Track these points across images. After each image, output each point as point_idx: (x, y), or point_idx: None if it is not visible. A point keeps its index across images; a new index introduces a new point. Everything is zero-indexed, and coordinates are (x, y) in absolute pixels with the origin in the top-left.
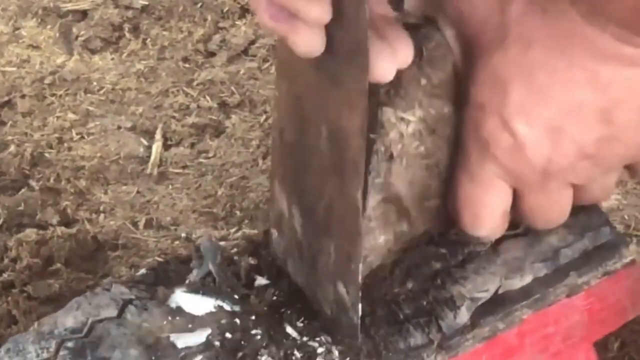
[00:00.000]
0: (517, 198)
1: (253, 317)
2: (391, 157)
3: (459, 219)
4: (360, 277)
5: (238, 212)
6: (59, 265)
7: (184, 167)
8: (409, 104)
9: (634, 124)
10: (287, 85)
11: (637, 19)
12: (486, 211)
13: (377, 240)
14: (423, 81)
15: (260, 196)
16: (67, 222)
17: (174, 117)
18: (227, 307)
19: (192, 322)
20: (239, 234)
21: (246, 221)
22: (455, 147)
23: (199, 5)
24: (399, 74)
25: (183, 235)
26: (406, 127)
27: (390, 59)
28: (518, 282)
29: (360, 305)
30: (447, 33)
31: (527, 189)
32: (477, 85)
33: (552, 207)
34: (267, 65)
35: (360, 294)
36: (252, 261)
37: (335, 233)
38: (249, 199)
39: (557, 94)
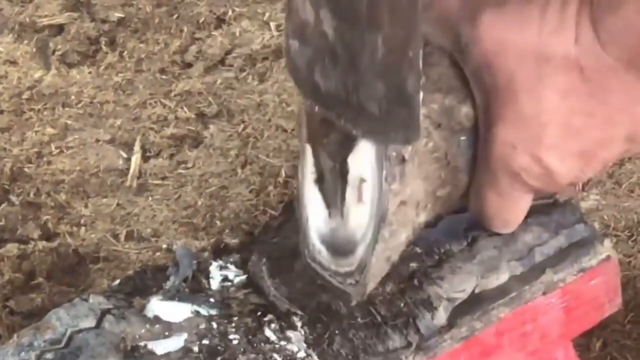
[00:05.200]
0: None
1: (231, 321)
2: (403, 160)
3: (488, 224)
4: (420, 64)
5: (218, 222)
6: (40, 279)
7: (163, 179)
8: None
9: None
10: None
11: None
12: (515, 216)
13: (399, 240)
14: (422, 79)
15: (240, 205)
16: (48, 236)
17: (152, 129)
18: (203, 312)
19: (169, 329)
20: None
21: (227, 231)
22: (464, 137)
23: (174, 16)
24: None
25: (164, 246)
26: None
27: None
28: (494, 281)
29: (421, 95)
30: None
31: (551, 192)
32: (506, 127)
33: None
34: (243, 74)
35: (420, 82)
36: (228, 265)
37: (384, 24)
38: (229, 209)
39: (593, 133)
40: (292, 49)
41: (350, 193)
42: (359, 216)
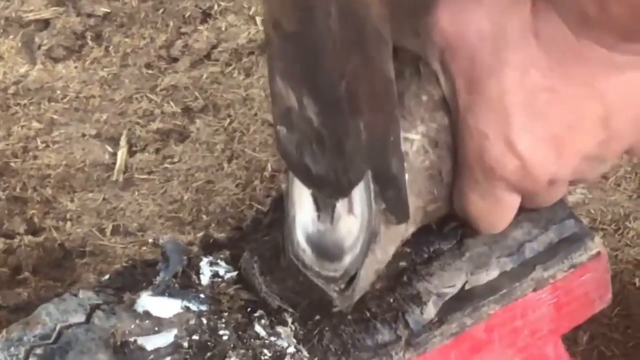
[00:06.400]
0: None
1: (221, 317)
2: None
3: (476, 227)
4: (402, 148)
5: (204, 217)
6: (27, 274)
7: (149, 173)
8: (412, 124)
9: (631, 121)
10: None
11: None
12: (502, 218)
13: (388, 254)
14: (424, 97)
15: (226, 200)
16: (34, 230)
17: (138, 123)
18: (193, 308)
19: (159, 325)
20: None
21: (213, 225)
22: (456, 157)
23: (160, 11)
24: (401, 94)
25: (150, 240)
26: (411, 145)
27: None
28: (484, 277)
29: (406, 176)
30: (431, 60)
31: (534, 194)
32: (476, 115)
33: (553, 198)
34: (229, 69)
35: (404, 165)
36: (218, 261)
37: (364, 110)
38: (215, 203)
39: (557, 110)
40: (281, 134)
41: (341, 202)
42: (348, 226)
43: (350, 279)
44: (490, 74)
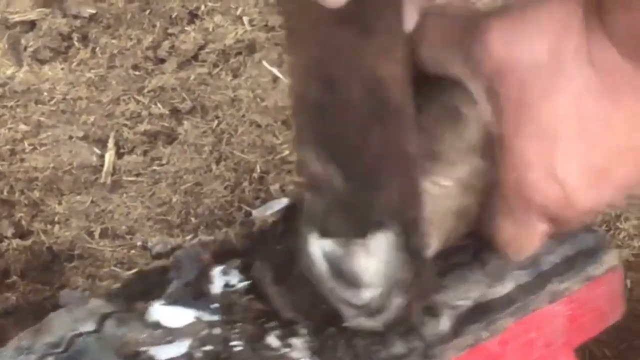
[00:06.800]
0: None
1: (233, 328)
2: None
3: (502, 250)
4: (423, 223)
5: (193, 219)
6: (15, 277)
7: (137, 175)
8: (445, 169)
9: None
10: (303, 49)
11: None
12: (531, 245)
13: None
14: (461, 144)
15: (215, 202)
16: (22, 233)
17: (125, 125)
18: (206, 318)
19: (171, 335)
20: (195, 241)
21: (202, 228)
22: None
23: (147, 12)
24: (439, 137)
25: (139, 243)
26: (441, 190)
27: None
28: (500, 290)
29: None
30: (476, 88)
31: (568, 222)
32: (522, 143)
33: (582, 224)
34: (217, 70)
35: (424, 239)
36: (231, 270)
37: (386, 184)
38: (204, 205)
39: (608, 140)
40: (307, 200)
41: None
42: (364, 264)
43: (371, 312)
44: (542, 100)
